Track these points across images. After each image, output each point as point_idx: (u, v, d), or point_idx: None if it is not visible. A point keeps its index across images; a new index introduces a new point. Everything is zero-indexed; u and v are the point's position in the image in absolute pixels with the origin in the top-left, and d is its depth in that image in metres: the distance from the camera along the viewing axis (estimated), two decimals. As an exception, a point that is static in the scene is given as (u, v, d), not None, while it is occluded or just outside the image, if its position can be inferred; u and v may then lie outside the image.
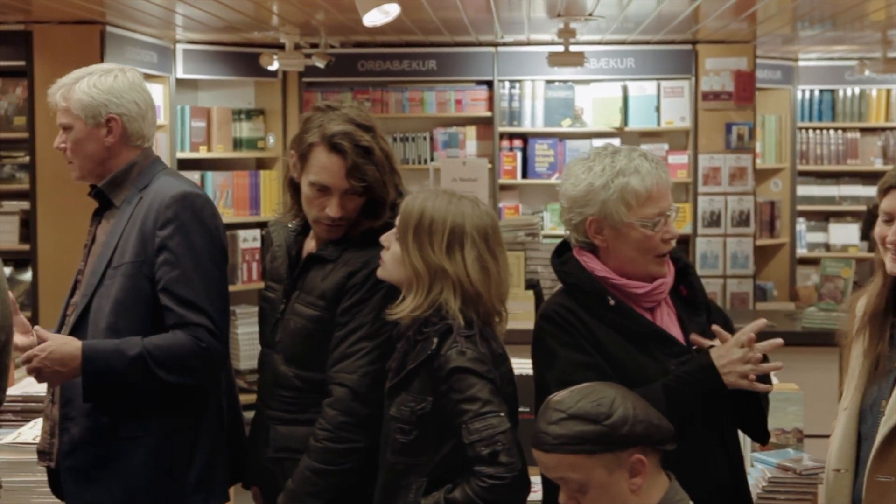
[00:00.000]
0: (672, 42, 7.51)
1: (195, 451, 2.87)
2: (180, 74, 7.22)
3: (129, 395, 2.80)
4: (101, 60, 6.00)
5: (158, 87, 6.93)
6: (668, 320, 2.53)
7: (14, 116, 6.22)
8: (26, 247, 6.13)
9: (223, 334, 2.82)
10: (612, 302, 2.48)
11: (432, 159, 7.68)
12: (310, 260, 2.82)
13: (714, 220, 7.60)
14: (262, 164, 7.81)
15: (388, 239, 2.60)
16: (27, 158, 6.14)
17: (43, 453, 2.92)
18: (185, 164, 7.21)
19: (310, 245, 2.89)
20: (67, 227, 5.90)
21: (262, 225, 7.65)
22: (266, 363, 2.88)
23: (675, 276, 2.58)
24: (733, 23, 6.65)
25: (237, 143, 7.64)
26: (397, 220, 2.57)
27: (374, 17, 4.85)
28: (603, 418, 2.17)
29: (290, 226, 2.93)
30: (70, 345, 2.74)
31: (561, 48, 6.78)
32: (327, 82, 7.66)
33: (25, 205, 6.11)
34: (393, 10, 4.85)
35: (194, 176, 7.27)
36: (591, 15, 6.24)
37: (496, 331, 2.54)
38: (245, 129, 7.64)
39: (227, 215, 7.47)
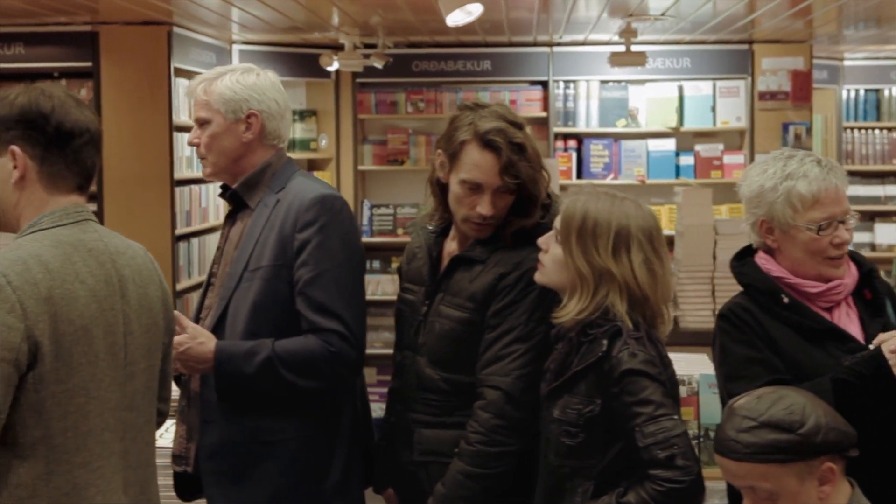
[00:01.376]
0: (728, 42, 7.48)
1: (333, 456, 2.84)
2: (235, 75, 7.18)
3: (265, 398, 2.77)
4: (169, 62, 5.99)
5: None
6: (846, 320, 2.54)
7: (79, 118, 6.17)
8: (93, 249, 6.08)
9: (357, 339, 2.77)
10: (785, 300, 2.53)
11: (486, 160, 7.63)
12: (455, 261, 2.78)
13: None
14: (313, 165, 7.77)
15: (547, 242, 2.55)
16: (93, 160, 6.10)
17: (178, 457, 2.89)
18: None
19: (451, 246, 2.85)
20: (134, 229, 5.86)
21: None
22: (407, 366, 2.84)
23: (860, 280, 2.58)
24: (790, 22, 6.62)
25: (290, 144, 7.60)
26: (557, 223, 2.53)
27: (457, 18, 4.81)
28: (797, 427, 2.13)
29: (429, 227, 2.89)
30: (206, 345, 2.74)
31: (616, 48, 6.76)
32: (382, 83, 7.63)
33: (92, 207, 6.06)
34: (476, 10, 4.82)
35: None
36: (662, 15, 6.20)
37: (660, 333, 2.51)
38: (298, 130, 7.62)
39: (282, 217, 7.44)
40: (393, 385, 2.92)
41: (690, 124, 7.64)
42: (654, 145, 7.65)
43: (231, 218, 2.96)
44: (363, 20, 6.43)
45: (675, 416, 2.35)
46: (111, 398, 2.13)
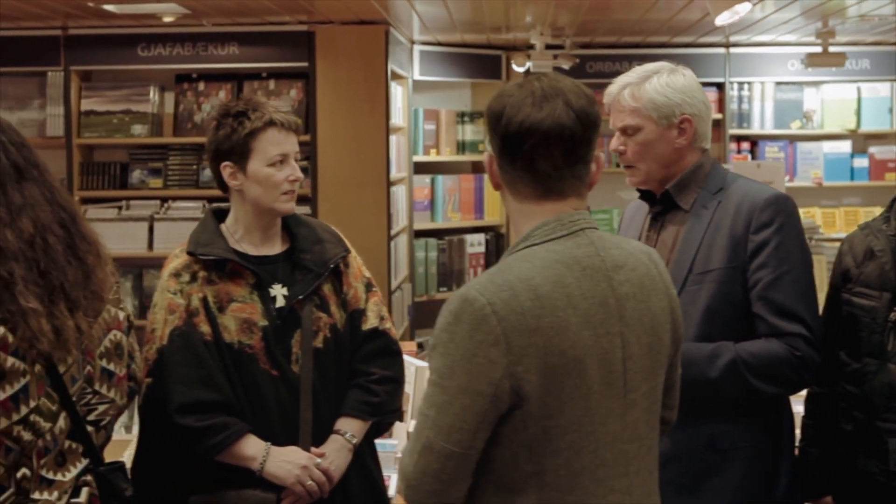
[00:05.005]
0: (909, 43, 7.38)
1: (780, 463, 2.75)
2: (416, 76, 7.11)
3: (722, 404, 2.68)
4: (386, 62, 5.90)
5: (399, 89, 6.82)
6: None
7: (289, 118, 6.09)
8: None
9: (819, 343, 2.68)
10: None
11: (656, 162, 7.55)
12: None
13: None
14: (480, 167, 7.68)
15: None
16: (304, 162, 6.03)
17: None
18: (420, 168, 7.10)
19: None
20: (350, 231, 5.77)
21: (486, 229, 7.54)
22: (871, 374, 2.74)
23: None
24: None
25: (460, 146, 7.52)
26: None
27: (725, 18, 4.73)
28: None
29: (886, 229, 2.79)
30: None
31: (795, 49, 6.69)
32: (554, 84, 7.51)
33: (306, 209, 5.99)
34: (743, 10, 4.73)
35: (425, 180, 7.17)
36: (862, 17, 6.11)
37: None
38: (468, 132, 7.53)
39: (455, 219, 7.37)
40: (846, 391, 2.82)
41: (867, 126, 7.54)
42: (829, 147, 7.55)
43: (657, 220, 2.87)
44: (553, 20, 6.35)
45: None
46: (608, 432, 1.94)
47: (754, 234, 2.67)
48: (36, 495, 2.27)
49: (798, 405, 2.94)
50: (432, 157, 7.28)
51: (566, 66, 6.84)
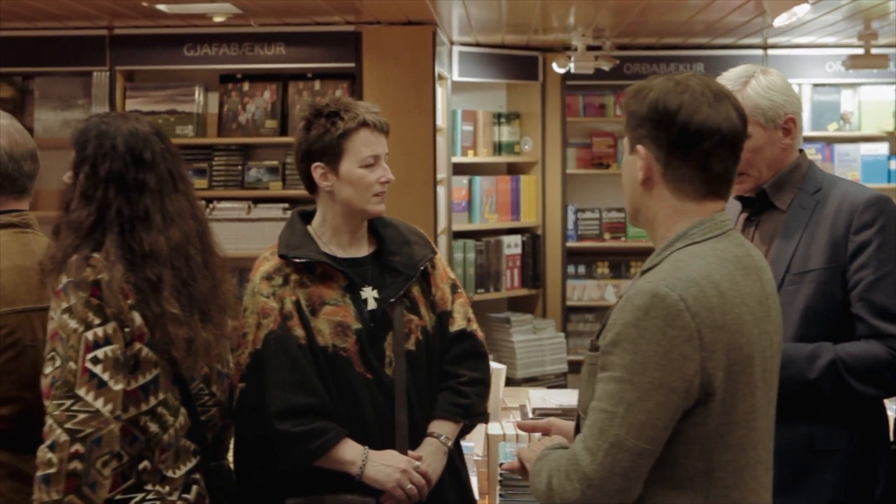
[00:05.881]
0: (948, 45, 7.35)
1: (878, 467, 2.74)
2: (455, 77, 7.10)
3: (820, 405, 2.67)
4: (433, 63, 5.89)
5: (439, 90, 6.81)
6: None
7: (333, 119, 6.08)
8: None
9: None
10: None
11: (693, 164, 7.55)
12: None
13: None
14: (516, 168, 7.67)
15: None
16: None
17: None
18: (457, 169, 7.08)
19: None
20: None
21: (522, 231, 7.53)
22: None
23: None
24: None
25: (496, 147, 7.51)
26: None
27: (783, 19, 4.72)
28: None
29: None
30: None
31: (832, 51, 6.66)
32: (590, 85, 7.52)
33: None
34: (801, 11, 4.73)
35: (463, 181, 7.16)
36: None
37: None
38: (505, 133, 7.52)
39: (492, 221, 7.35)
40: None
41: (905, 128, 7.53)
42: (867, 149, 7.53)
43: (751, 220, 2.86)
44: (594, 21, 6.34)
45: None
46: (761, 428, 2.01)
47: (855, 235, 2.66)
48: (149, 486, 2.36)
49: (893, 406, 2.93)
50: (470, 158, 7.27)
51: (606, 67, 6.83)
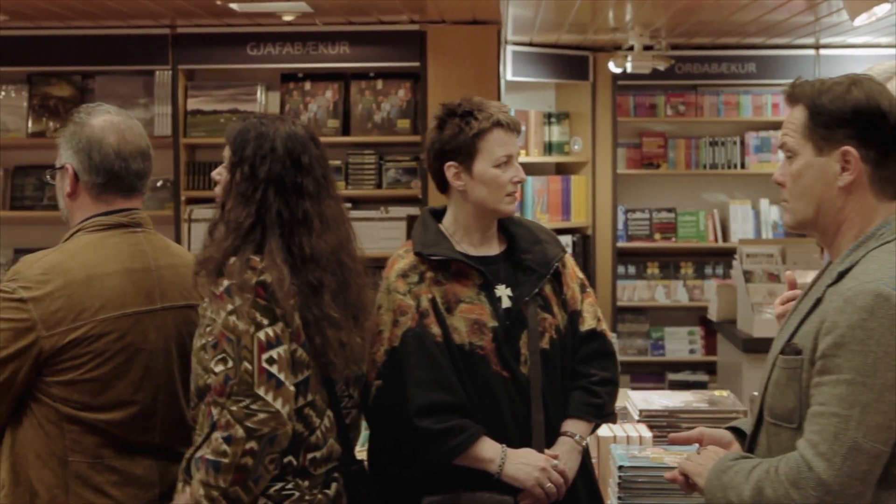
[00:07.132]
0: None
1: None
2: (509, 76, 7.08)
3: None
4: (498, 63, 5.88)
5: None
6: None
7: (397, 119, 6.07)
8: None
9: None
10: None
11: (743, 165, 7.55)
12: None
13: None
14: (565, 168, 7.66)
15: None
16: (413, 163, 6.01)
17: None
18: (510, 169, 7.05)
19: None
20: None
21: (573, 231, 7.51)
22: None
23: None
24: None
25: (547, 147, 7.49)
26: None
27: (863, 19, 4.71)
28: None
29: None
30: None
31: (882, 51, 6.61)
32: (642, 85, 7.50)
33: (414, 210, 5.96)
34: (881, 11, 4.71)
35: (515, 180, 7.12)
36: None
37: None
38: (555, 133, 7.50)
39: (543, 220, 7.33)
40: None
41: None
42: (918, 150, 7.51)
43: None
44: (650, 21, 6.33)
45: None
46: None
47: None
48: (289, 478, 2.41)
49: None
50: (522, 157, 7.24)
51: (662, 67, 6.81)
